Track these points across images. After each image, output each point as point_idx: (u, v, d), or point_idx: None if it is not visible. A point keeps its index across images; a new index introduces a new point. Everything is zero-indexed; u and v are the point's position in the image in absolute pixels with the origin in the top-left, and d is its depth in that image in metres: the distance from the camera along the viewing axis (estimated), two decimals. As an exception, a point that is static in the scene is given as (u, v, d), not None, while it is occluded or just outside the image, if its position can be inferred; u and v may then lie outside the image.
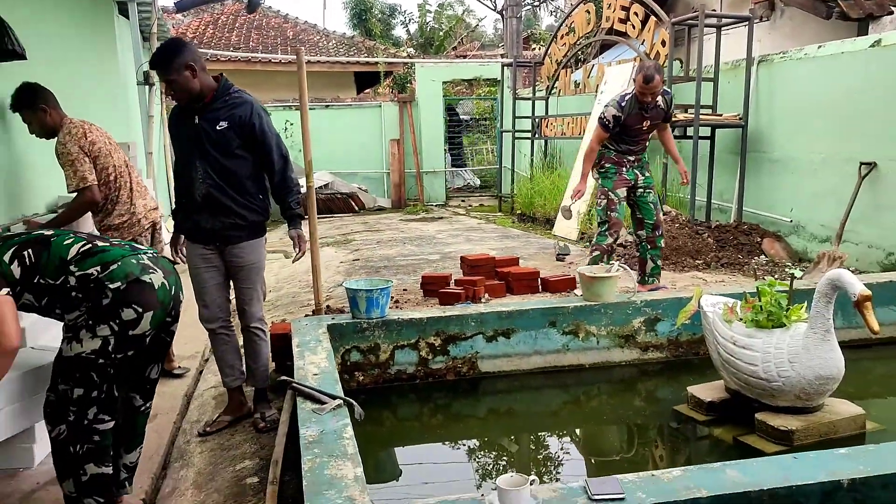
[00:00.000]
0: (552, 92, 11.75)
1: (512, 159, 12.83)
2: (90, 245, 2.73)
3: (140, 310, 2.65)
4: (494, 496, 2.17)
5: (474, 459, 3.78)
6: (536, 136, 12.02)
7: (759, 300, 3.79)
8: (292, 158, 3.92)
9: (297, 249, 3.83)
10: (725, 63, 8.35)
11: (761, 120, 7.84)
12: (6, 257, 2.61)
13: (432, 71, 14.96)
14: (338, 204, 13.07)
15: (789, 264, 6.68)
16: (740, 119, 7.88)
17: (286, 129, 13.21)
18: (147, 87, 9.05)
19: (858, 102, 6.57)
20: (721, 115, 8.00)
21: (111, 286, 2.62)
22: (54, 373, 2.69)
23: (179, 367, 4.71)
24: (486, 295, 5.75)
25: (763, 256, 7.17)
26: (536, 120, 11.94)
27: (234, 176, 3.57)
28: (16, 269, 2.60)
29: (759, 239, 7.44)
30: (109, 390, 2.71)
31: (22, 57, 4.08)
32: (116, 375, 2.75)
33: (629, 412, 4.29)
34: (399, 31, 30.09)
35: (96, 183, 4.06)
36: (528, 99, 12.33)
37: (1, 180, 4.46)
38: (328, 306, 5.58)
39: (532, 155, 12.24)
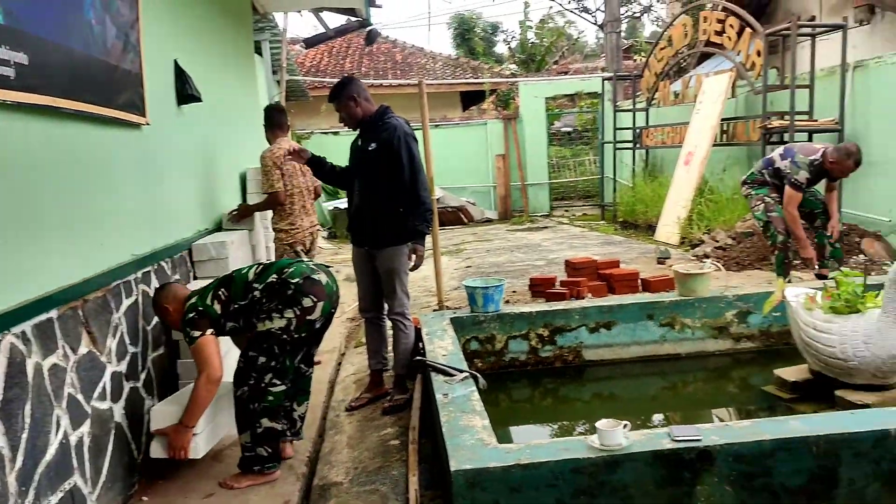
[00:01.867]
0: (652, 103, 12.13)
1: (613, 169, 13.26)
2: (262, 265, 3.60)
3: (315, 299, 3.42)
4: (595, 436, 2.76)
5: (580, 435, 4.36)
6: (637, 145, 12.42)
7: (838, 290, 4.21)
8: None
9: (412, 262, 4.41)
10: (821, 69, 8.57)
11: (857, 123, 8.04)
12: (208, 301, 3.45)
13: (534, 88, 15.58)
14: (448, 217, 13.85)
15: (888, 262, 6.88)
16: (836, 123, 8.10)
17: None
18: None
19: (953, 103, 6.74)
20: (817, 121, 8.24)
21: (292, 281, 3.41)
22: (247, 345, 3.48)
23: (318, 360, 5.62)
24: (590, 294, 6.28)
25: (862, 255, 7.38)
26: (637, 130, 12.34)
27: (380, 191, 4.30)
28: (217, 307, 3.45)
29: (858, 239, 7.64)
30: (284, 361, 3.47)
31: (198, 100, 4.99)
32: (293, 351, 3.52)
33: (721, 395, 4.76)
34: (501, 48, 30.91)
35: (282, 190, 5.22)
36: (629, 111, 12.74)
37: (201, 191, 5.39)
38: (447, 307, 6.28)
39: (633, 164, 12.64)
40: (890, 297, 3.86)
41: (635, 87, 12.77)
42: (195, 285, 4.45)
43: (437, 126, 14.97)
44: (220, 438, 3.79)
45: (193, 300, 3.47)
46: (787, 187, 6.05)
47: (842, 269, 4.54)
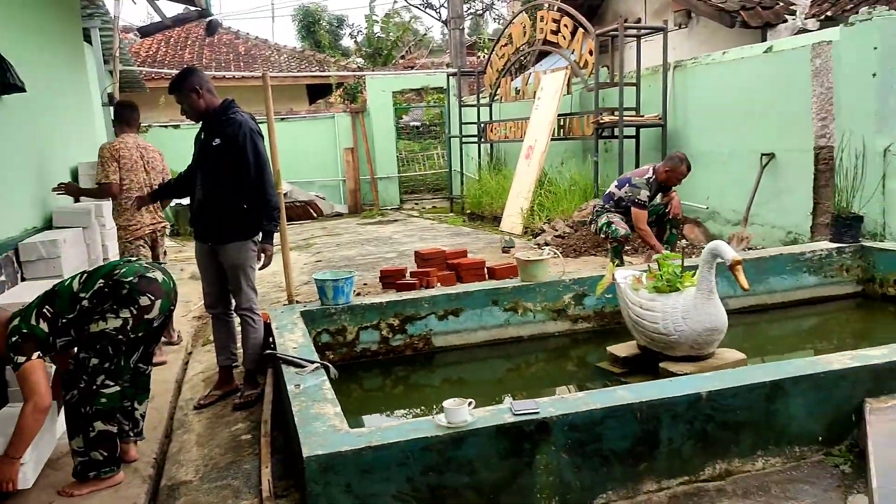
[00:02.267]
0: (495, 99, 12.56)
1: (461, 163, 13.63)
2: (86, 273, 3.43)
3: (153, 297, 3.34)
4: (442, 415, 2.90)
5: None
6: (482, 140, 12.84)
7: (660, 271, 4.60)
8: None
9: (260, 260, 4.37)
10: (647, 69, 9.25)
11: (678, 119, 8.75)
12: (33, 321, 3.25)
13: (381, 82, 15.69)
14: (297, 211, 13.70)
15: (705, 246, 7.55)
16: (660, 119, 8.78)
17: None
18: (111, 107, 9.59)
19: (756, 101, 7.50)
20: (643, 116, 8.90)
21: (125, 280, 3.31)
22: (79, 347, 3.34)
23: (178, 335, 5.71)
24: (439, 284, 6.47)
25: (684, 241, 8.05)
26: (482, 125, 12.75)
27: (224, 187, 4.21)
28: (43, 326, 3.25)
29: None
30: (118, 362, 3.36)
31: (22, 89, 4.69)
32: (129, 350, 3.42)
33: (561, 373, 5.08)
34: (347, 41, 30.78)
35: (116, 182, 5.12)
36: (474, 106, 13.13)
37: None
38: (297, 301, 6.25)
39: (479, 158, 13.05)
40: (703, 275, 4.28)
41: (479, 82, 13.17)
42: (25, 287, 4.21)
43: (283, 119, 14.75)
44: (46, 458, 3.60)
45: (16, 322, 3.24)
46: (632, 209, 6.54)
47: (663, 252, 4.97)
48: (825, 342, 5.46)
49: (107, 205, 5.74)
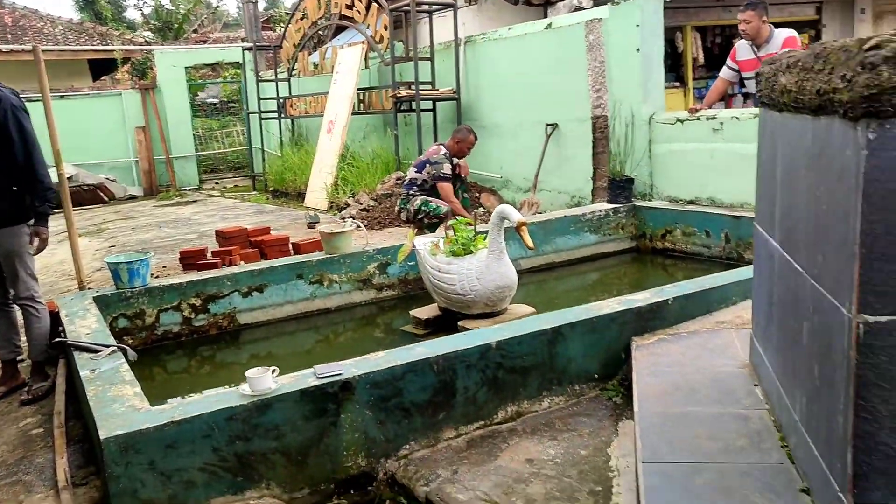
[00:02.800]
0: (293, 73, 12.40)
1: (261, 139, 13.34)
2: None
3: None
4: (246, 384, 2.94)
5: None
6: (282, 115, 12.64)
7: (456, 236, 4.87)
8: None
9: (33, 245, 4.10)
10: (440, 44, 9.56)
11: (471, 93, 9.16)
12: None
13: (172, 57, 14.93)
14: (85, 196, 12.78)
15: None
16: (454, 93, 9.13)
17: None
18: None
19: (540, 75, 8.02)
20: (438, 90, 9.21)
21: None
22: None
23: None
24: (242, 262, 6.38)
25: (481, 208, 8.47)
26: (281, 100, 12.55)
27: None
28: None
29: (477, 194, 8.75)
30: None
31: None
32: None
33: (368, 340, 5.23)
34: (133, 14, 28.84)
35: None
36: (272, 81, 12.88)
37: None
38: (90, 288, 5.92)
39: (280, 134, 12.85)
40: (493, 238, 4.59)
41: (276, 57, 12.93)
42: None
43: (62, 97, 13.65)
44: None
45: None
46: (439, 184, 6.70)
47: (457, 218, 5.25)
48: (605, 293, 6.03)
49: None
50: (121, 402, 2.95)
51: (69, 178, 12.54)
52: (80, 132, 13.40)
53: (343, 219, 8.49)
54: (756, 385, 2.97)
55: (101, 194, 13.16)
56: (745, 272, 4.01)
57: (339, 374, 3.06)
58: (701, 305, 3.95)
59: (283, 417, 2.92)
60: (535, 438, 3.24)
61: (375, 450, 3.12)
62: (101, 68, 18.10)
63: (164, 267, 6.82)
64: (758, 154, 2.97)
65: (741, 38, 6.37)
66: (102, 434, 2.67)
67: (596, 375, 3.65)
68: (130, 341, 4.86)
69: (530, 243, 4.47)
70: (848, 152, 1.76)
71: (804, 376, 2.21)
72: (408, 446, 3.20)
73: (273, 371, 2.99)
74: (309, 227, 8.47)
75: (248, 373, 2.94)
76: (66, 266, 7.06)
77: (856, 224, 1.71)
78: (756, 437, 2.54)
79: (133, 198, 13.92)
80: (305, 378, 3.05)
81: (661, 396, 2.99)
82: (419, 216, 6.71)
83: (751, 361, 3.17)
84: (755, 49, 6.19)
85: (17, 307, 4.25)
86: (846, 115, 1.74)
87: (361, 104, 10.28)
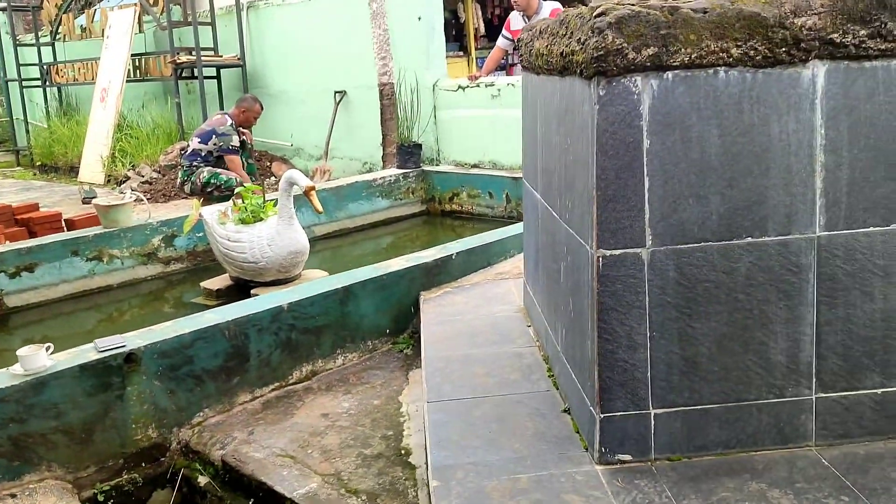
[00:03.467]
0: (57, 37, 11.38)
1: (24, 110, 12.14)
2: None
3: None
4: (18, 364, 2.77)
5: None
6: (48, 83, 11.58)
7: (244, 203, 4.81)
8: None
9: None
10: (221, 8, 9.20)
11: (256, 60, 8.95)
12: None
13: None
14: None
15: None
16: (239, 59, 8.87)
17: None
18: None
19: (326, 42, 8.02)
20: (222, 57, 8.90)
21: None
22: None
23: None
24: (7, 242, 5.87)
25: (273, 177, 8.36)
26: (45, 67, 11.48)
27: None
28: None
29: (268, 163, 8.61)
30: None
31: None
32: None
33: (157, 315, 5.05)
34: None
35: None
36: (33, 45, 11.72)
37: None
38: None
39: (46, 103, 11.78)
40: (283, 203, 4.59)
41: (37, 19, 11.77)
42: None
43: None
44: None
45: None
46: (227, 157, 6.51)
47: (245, 185, 5.18)
48: (399, 255, 6.23)
49: None
50: None
51: None
52: None
53: (122, 192, 8.02)
54: (529, 325, 3.26)
55: None
56: (521, 227, 4.34)
57: (123, 347, 2.96)
58: (482, 259, 4.23)
59: (61, 395, 2.79)
60: (330, 394, 3.34)
61: (167, 420, 3.07)
62: None
63: (-88, 252, 6.09)
64: (522, 115, 3.23)
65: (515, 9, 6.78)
66: None
67: (388, 330, 3.81)
68: None
69: (319, 207, 4.53)
70: (585, 107, 2.00)
71: (563, 310, 2.48)
72: (202, 413, 3.17)
73: (48, 348, 2.84)
74: (84, 203, 7.89)
75: (19, 352, 2.77)
76: None
77: (593, 171, 1.95)
78: (527, 371, 2.82)
79: None
80: (85, 353, 2.92)
81: (445, 342, 3.20)
82: (208, 188, 6.49)
83: (524, 305, 3.47)
84: (526, 19, 6.62)
85: None
86: (582, 74, 1.97)
87: (138, 70, 9.67)
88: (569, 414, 2.45)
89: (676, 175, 1.95)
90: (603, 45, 1.85)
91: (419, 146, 7.01)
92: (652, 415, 2.06)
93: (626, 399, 2.07)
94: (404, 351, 3.73)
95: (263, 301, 3.48)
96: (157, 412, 3.04)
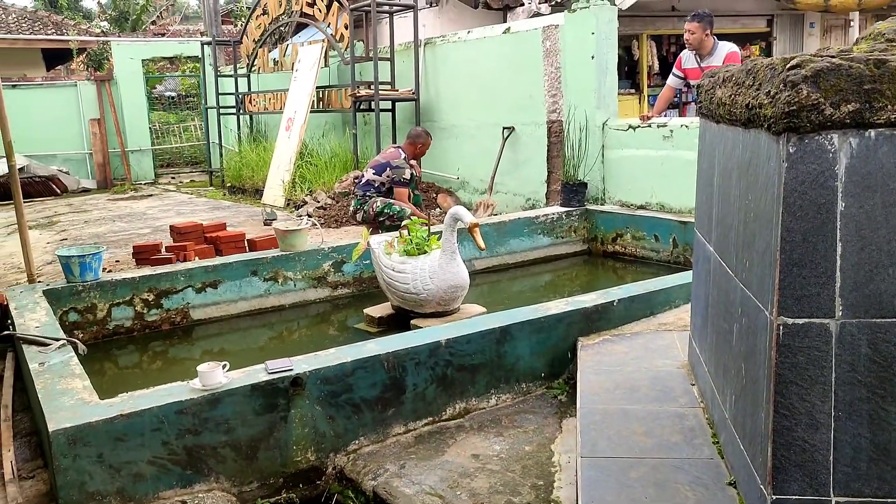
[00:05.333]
0: (253, 69, 12.34)
1: (219, 134, 13.23)
2: None
3: None
4: (197, 379, 2.97)
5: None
6: (241, 111, 12.57)
7: (410, 235, 4.94)
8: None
9: None
10: (400, 44, 9.60)
11: (430, 94, 9.23)
12: None
13: (130, 49, 14.72)
14: (36, 188, 12.51)
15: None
16: (413, 93, 9.19)
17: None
18: None
19: (498, 78, 8.13)
20: (398, 90, 9.26)
21: None
22: None
23: None
24: (197, 258, 6.36)
25: (438, 209, 8.55)
26: (240, 96, 12.47)
27: None
28: None
29: (434, 195, 8.83)
30: None
31: None
32: None
33: (322, 337, 5.28)
34: (90, 3, 28.28)
35: None
36: (231, 76, 12.78)
37: None
38: (40, 281, 5.85)
39: (238, 130, 12.77)
40: (446, 238, 4.67)
41: (236, 52, 12.84)
42: None
43: (14, 87, 13.35)
44: None
45: None
46: (396, 189, 6.76)
47: (412, 218, 5.31)
48: (557, 294, 6.16)
49: None
50: (70, 396, 2.96)
51: (20, 170, 12.32)
52: (32, 123, 13.13)
53: (299, 216, 8.50)
54: (693, 384, 3.09)
55: (54, 186, 12.90)
56: (687, 276, 4.14)
57: (290, 370, 3.10)
58: (645, 307, 4.08)
59: (233, 412, 2.96)
60: (482, 435, 3.32)
61: (325, 444, 3.18)
62: (56, 58, 17.72)
63: (117, 262, 6.76)
64: (698, 162, 3.09)
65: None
66: (51, 426, 2.68)
67: (542, 374, 3.75)
68: (81, 335, 4.83)
69: (482, 244, 4.56)
70: (772, 163, 1.87)
71: (734, 375, 2.32)
72: (357, 441, 3.26)
73: (224, 366, 3.03)
74: (265, 224, 8.45)
75: (199, 367, 2.97)
76: (15, 259, 6.94)
77: (777, 231, 1.82)
78: (690, 434, 2.66)
79: (86, 191, 13.67)
80: (256, 373, 3.09)
81: (603, 394, 3.09)
82: (381, 218, 6.74)
83: (689, 361, 3.30)
84: (698, 59, 6.40)
85: None
86: (770, 128, 1.85)
87: (321, 102, 10.28)
88: (734, 488, 2.28)
89: (875, 241, 1.77)
90: (796, 99, 1.73)
91: (584, 185, 6.92)
92: (833, 503, 1.87)
93: (803, 482, 1.89)
94: (559, 397, 3.66)
95: (422, 335, 3.54)
96: (317, 436, 3.15)
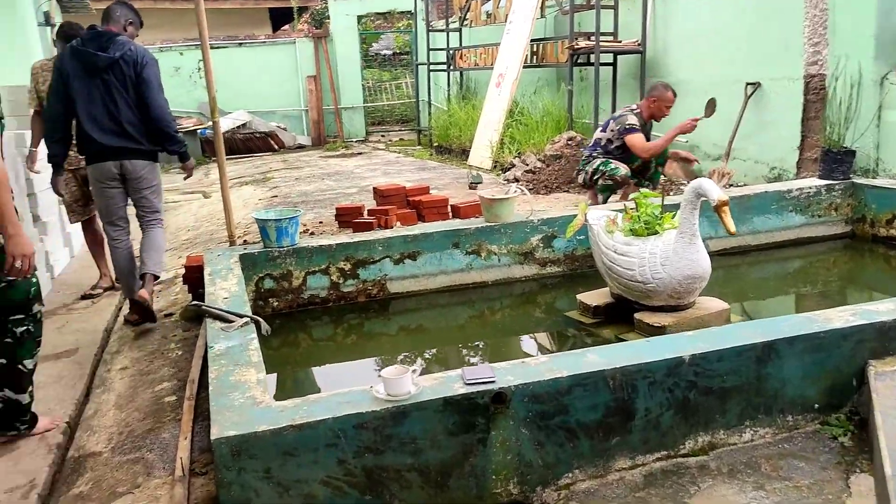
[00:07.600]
0: (465, 23, 11.85)
1: (429, 92, 12.95)
2: None
3: None
4: (381, 385, 2.45)
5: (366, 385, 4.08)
6: (451, 67, 12.15)
7: (638, 211, 4.14)
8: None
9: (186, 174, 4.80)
10: (625, -10, 8.62)
11: (658, 45, 8.19)
12: None
13: (345, 6, 14.81)
14: (257, 143, 13.01)
15: (685, 182, 7.10)
16: (639, 45, 8.20)
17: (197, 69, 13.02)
18: (49, 27, 8.79)
19: (741, 27, 6.96)
20: (621, 42, 8.31)
21: None
22: None
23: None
24: (398, 223, 5.98)
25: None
26: (451, 52, 12.04)
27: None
28: None
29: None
30: None
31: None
32: None
33: (527, 321, 4.66)
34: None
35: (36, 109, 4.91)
36: (443, 31, 12.39)
37: None
38: (245, 241, 5.74)
39: (448, 87, 12.39)
40: (685, 217, 3.82)
41: (449, 5, 12.40)
42: None
43: (240, 45, 13.92)
44: None
45: None
46: (627, 137, 5.88)
47: (642, 189, 4.50)
48: (810, 287, 5.10)
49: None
50: (241, 391, 2.56)
51: (243, 126, 12.85)
52: (255, 80, 13.65)
53: (507, 181, 7.91)
54: None
55: (272, 142, 13.35)
56: None
57: (492, 382, 2.50)
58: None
59: (422, 429, 2.41)
60: (735, 484, 2.55)
61: (531, 476, 2.55)
62: (283, 17, 18.41)
63: (321, 222, 6.57)
64: None
65: None
66: (214, 432, 2.28)
67: (816, 405, 2.87)
68: (276, 304, 4.60)
69: (732, 228, 3.68)
70: None
71: None
72: (570, 475, 2.61)
73: (413, 371, 2.48)
74: (470, 188, 7.97)
75: (383, 372, 2.45)
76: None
77: None
78: None
79: (301, 147, 14.05)
80: (451, 383, 2.51)
81: (927, 459, 2.19)
82: (595, 176, 6.00)
83: None
84: None
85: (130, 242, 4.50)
86: None
87: (534, 56, 9.54)
88: None
89: None
90: None
91: (852, 153, 5.67)
92: None
93: None
94: (839, 439, 2.77)
95: (659, 347, 2.78)
96: (522, 465, 2.54)
